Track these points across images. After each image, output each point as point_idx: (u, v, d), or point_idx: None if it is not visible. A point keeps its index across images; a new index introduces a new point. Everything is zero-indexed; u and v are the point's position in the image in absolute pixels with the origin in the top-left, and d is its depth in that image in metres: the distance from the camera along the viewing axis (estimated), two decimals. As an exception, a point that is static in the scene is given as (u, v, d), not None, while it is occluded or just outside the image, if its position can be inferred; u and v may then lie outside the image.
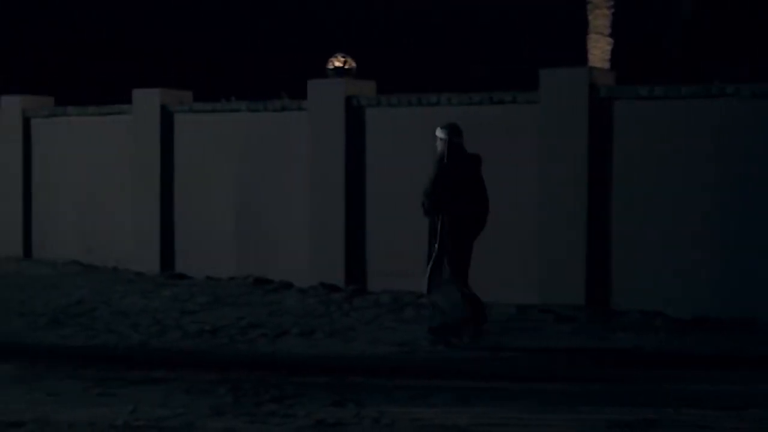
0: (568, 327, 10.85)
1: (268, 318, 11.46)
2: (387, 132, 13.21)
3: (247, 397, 7.97)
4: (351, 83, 13.56)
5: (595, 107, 11.72)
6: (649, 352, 9.73)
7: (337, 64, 13.65)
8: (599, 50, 18.42)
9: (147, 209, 15.04)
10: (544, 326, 10.92)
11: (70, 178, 16.13)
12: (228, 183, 14.45)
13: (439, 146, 10.11)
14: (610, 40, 18.55)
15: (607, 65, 17.88)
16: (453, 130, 10.10)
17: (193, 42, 25.51)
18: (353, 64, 13.66)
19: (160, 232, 15.00)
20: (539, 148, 12.02)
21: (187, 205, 14.91)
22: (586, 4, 18.76)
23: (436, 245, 9.92)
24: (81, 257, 15.69)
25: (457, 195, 9.93)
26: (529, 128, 12.12)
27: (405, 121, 13.07)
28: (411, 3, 24.64)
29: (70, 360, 9.38)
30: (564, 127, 11.86)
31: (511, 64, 20.47)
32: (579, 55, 18.55)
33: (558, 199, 11.86)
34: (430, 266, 9.95)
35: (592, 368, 9.02)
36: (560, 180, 11.86)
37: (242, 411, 7.59)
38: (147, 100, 15.27)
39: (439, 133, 10.14)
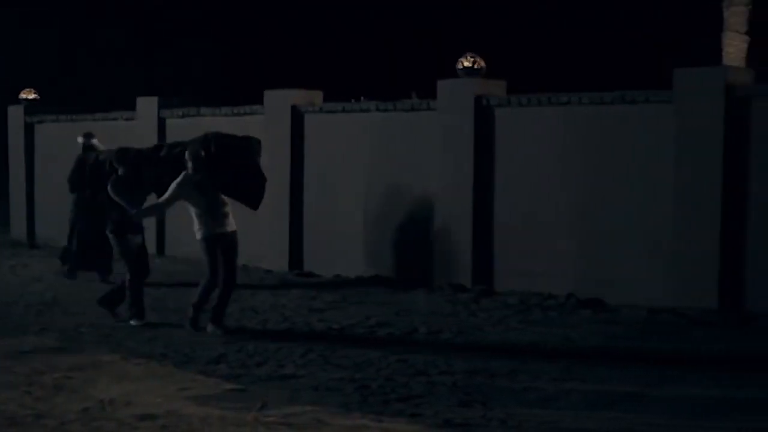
0: (702, 331, 10.62)
1: (396, 317, 11.48)
2: (516, 131, 13.12)
3: (374, 396, 7.99)
4: (481, 83, 13.50)
5: (732, 107, 11.43)
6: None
7: (467, 63, 13.59)
8: (735, 48, 17.97)
9: (277, 209, 15.23)
10: (677, 331, 10.70)
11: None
12: (358, 183, 14.53)
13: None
14: (746, 38, 18.09)
15: (743, 64, 17.44)
16: (85, 136, 14.70)
17: (324, 43, 25.75)
18: (483, 64, 13.59)
19: (289, 232, 15.17)
20: (673, 149, 11.78)
21: (316, 206, 15.04)
22: (721, 1, 18.33)
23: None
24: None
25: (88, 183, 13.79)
26: (662, 128, 11.89)
27: (535, 121, 12.96)
28: (541, 3, 24.47)
29: (202, 356, 9.52)
30: (699, 127, 11.59)
31: (643, 63, 20.17)
32: (714, 54, 18.15)
33: (692, 201, 11.60)
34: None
35: (730, 374, 8.78)
36: (695, 181, 11.60)
37: (370, 409, 7.61)
38: (278, 100, 15.47)
39: (79, 139, 14.67)
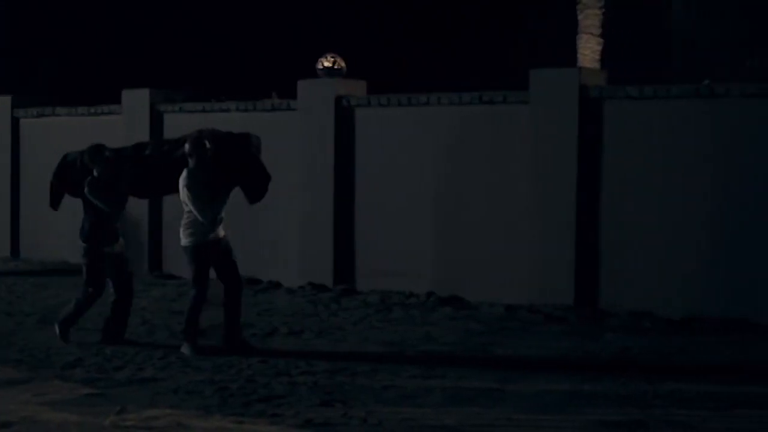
0: (558, 328, 10.85)
1: (258, 318, 11.44)
2: (377, 132, 13.19)
3: (234, 398, 7.95)
4: (341, 83, 13.55)
5: (586, 107, 11.70)
6: (639, 353, 9.72)
7: (327, 64, 13.63)
8: (589, 50, 18.41)
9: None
10: (534, 327, 10.91)
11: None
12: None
13: None
14: (600, 40, 18.54)
15: (597, 65, 17.88)
16: None
17: (184, 41, 25.46)
18: (343, 64, 13.64)
19: (148, 234, 14.97)
20: (530, 148, 12.00)
21: (175, 208, 14.84)
22: (576, 3, 18.75)
23: None
24: (70, 257, 15.63)
25: None
26: (519, 128, 12.11)
27: (395, 121, 13.06)
28: (402, 2, 24.65)
29: (58, 360, 9.34)
30: (554, 127, 11.85)
31: (501, 64, 20.49)
32: (570, 55, 18.54)
33: (548, 200, 11.84)
34: None
35: (582, 369, 9.00)
36: (551, 180, 11.84)
37: (230, 411, 7.56)
38: (136, 100, 15.25)
39: None
